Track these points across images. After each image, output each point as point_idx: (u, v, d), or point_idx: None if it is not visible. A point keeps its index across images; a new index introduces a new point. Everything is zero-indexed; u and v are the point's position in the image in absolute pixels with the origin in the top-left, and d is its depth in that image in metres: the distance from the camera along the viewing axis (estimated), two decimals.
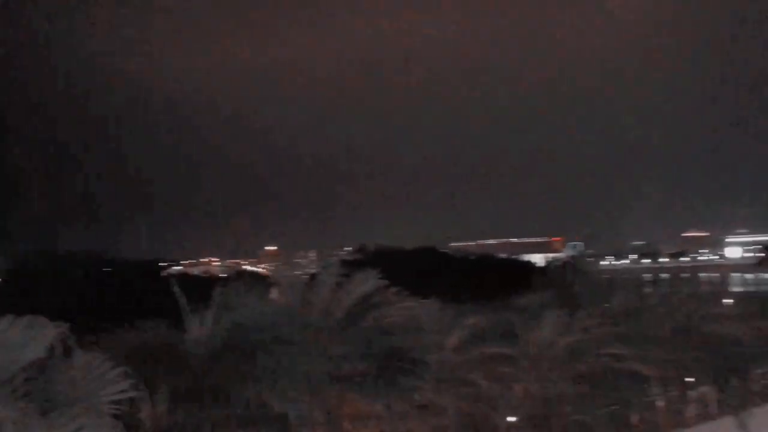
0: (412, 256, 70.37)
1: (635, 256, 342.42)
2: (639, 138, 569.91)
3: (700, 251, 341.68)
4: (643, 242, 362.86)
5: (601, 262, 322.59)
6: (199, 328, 13.72)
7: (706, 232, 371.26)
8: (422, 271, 53.06)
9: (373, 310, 14.17)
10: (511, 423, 14.39)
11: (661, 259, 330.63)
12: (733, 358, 17.06)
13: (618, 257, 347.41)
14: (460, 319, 14.62)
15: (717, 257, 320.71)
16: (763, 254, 71.11)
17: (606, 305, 17.49)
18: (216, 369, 13.08)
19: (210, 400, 12.74)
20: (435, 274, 51.63)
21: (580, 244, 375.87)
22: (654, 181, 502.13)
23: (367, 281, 14.35)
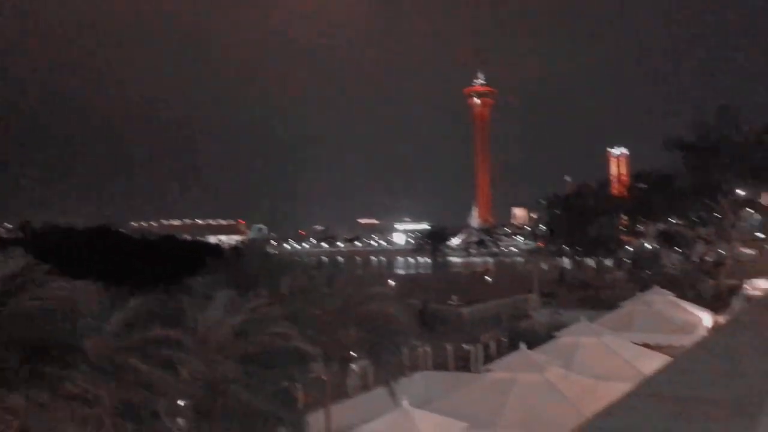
0: (85, 236, 65.44)
1: (314, 241, 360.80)
2: (321, 128, 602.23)
3: (372, 236, 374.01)
4: (323, 228, 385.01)
5: (284, 245, 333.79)
6: None
7: (377, 219, 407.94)
8: (93, 252, 49.63)
9: (19, 293, 12.46)
10: (174, 407, 13.91)
11: (339, 244, 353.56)
12: (388, 334, 18.80)
13: (299, 241, 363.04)
14: (124, 302, 13.69)
15: (385, 243, 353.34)
16: (422, 241, 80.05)
17: (276, 286, 18.01)
18: None
19: None
20: (107, 255, 48.66)
21: (264, 228, 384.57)
22: (333, 171, 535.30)
23: (11, 260, 12.59)
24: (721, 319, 36.17)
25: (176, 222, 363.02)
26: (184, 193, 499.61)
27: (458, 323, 46.36)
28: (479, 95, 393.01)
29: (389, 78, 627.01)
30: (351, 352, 19.19)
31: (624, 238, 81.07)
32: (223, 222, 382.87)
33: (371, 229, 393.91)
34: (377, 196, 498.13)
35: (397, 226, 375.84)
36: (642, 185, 57.93)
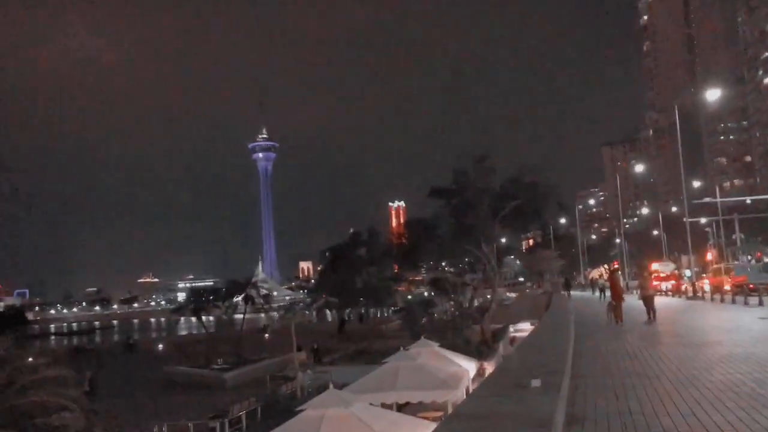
0: None
1: (85, 304, 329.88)
2: (96, 179, 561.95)
3: (153, 296, 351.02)
4: (96, 289, 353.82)
5: (51, 311, 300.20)
6: None
7: (158, 278, 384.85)
8: None
9: None
10: None
11: (114, 306, 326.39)
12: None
13: (67, 305, 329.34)
14: None
15: (166, 303, 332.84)
16: (192, 299, 73.84)
17: None
18: None
19: None
20: None
21: (26, 292, 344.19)
22: (109, 228, 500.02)
23: None
24: (488, 365, 35.80)
25: None
26: None
27: (219, 389, 41.82)
28: (262, 150, 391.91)
29: (173, 130, 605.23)
30: None
31: (401, 287, 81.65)
32: None
33: (152, 289, 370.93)
34: (158, 253, 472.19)
35: (180, 284, 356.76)
36: (411, 233, 58.03)
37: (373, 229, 67.82)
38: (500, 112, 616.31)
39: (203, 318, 65.34)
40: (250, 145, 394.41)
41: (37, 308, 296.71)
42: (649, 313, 24.98)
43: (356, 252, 63.31)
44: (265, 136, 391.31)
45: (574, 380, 10.83)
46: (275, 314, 78.67)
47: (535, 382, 6.46)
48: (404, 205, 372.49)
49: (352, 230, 74.57)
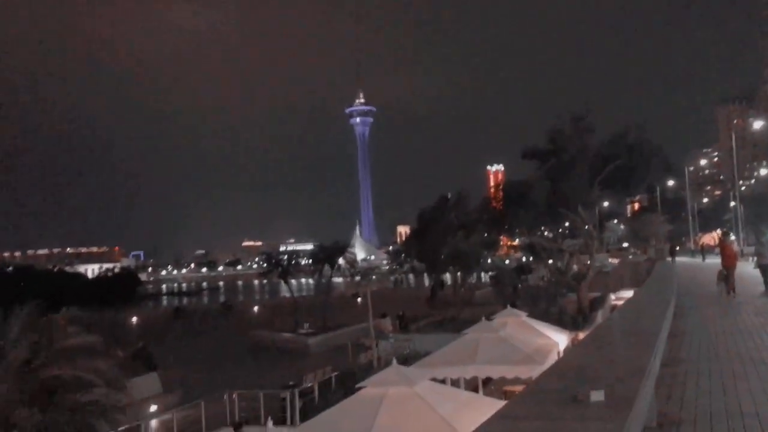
0: None
1: (194, 266, 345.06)
2: (202, 152, 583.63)
3: (256, 260, 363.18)
4: (204, 252, 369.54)
5: (163, 272, 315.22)
6: None
7: (261, 241, 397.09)
8: None
9: None
10: None
11: (219, 268, 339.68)
12: (83, 410, 12.91)
13: (178, 267, 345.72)
14: None
15: (266, 265, 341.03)
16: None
17: None
18: None
19: None
20: None
21: (141, 254, 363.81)
22: (215, 194, 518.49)
23: None
24: (583, 336, 33.27)
25: (43, 251, 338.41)
26: (52, 219, 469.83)
27: (303, 354, 41.51)
28: (360, 114, 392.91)
29: (270, 97, 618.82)
30: None
31: (498, 253, 79.02)
32: (97, 249, 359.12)
33: (255, 252, 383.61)
34: (262, 218, 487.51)
35: (282, 247, 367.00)
36: (504, 197, 55.34)
37: (461, 193, 65.21)
38: (605, 74, 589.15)
39: (302, 281, 65.57)
40: (348, 110, 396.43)
41: (150, 269, 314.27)
42: (767, 284, 21.91)
43: (445, 216, 61.13)
44: (362, 101, 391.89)
45: (670, 367, 8.94)
46: (374, 278, 78.08)
47: (596, 395, 4.48)
48: (503, 168, 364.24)
49: (449, 194, 72.47)
